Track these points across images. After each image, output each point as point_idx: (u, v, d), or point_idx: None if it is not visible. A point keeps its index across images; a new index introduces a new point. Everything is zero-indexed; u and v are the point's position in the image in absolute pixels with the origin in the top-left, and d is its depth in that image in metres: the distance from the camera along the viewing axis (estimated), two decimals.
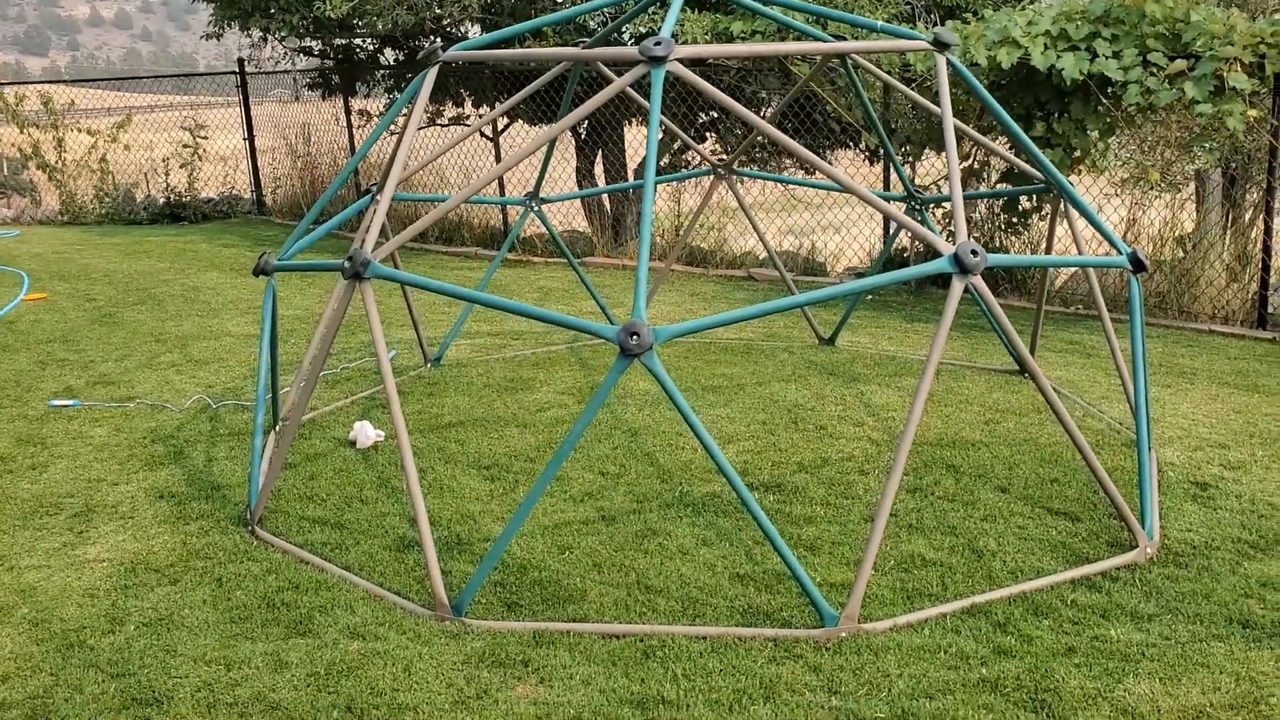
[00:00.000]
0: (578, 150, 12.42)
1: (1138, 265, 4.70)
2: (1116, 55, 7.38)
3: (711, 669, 3.63)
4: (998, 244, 9.11)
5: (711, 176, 7.38)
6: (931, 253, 9.30)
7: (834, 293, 4.03)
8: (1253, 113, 7.04)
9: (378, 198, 6.16)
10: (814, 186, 8.31)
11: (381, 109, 13.18)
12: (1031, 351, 6.65)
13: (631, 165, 12.28)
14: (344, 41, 13.08)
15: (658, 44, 4.14)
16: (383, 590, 4.21)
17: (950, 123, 4.50)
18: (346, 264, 4.30)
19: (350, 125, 13.28)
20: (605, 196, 11.86)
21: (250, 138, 15.17)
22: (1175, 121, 7.51)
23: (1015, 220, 8.82)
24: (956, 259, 3.96)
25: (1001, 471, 5.16)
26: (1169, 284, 8.13)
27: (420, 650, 3.79)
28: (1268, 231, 7.60)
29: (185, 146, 15.06)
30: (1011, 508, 4.77)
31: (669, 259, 7.70)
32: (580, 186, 12.21)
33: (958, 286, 3.99)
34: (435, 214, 4.35)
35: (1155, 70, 7.21)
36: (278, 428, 5.74)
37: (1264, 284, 7.66)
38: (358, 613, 4.05)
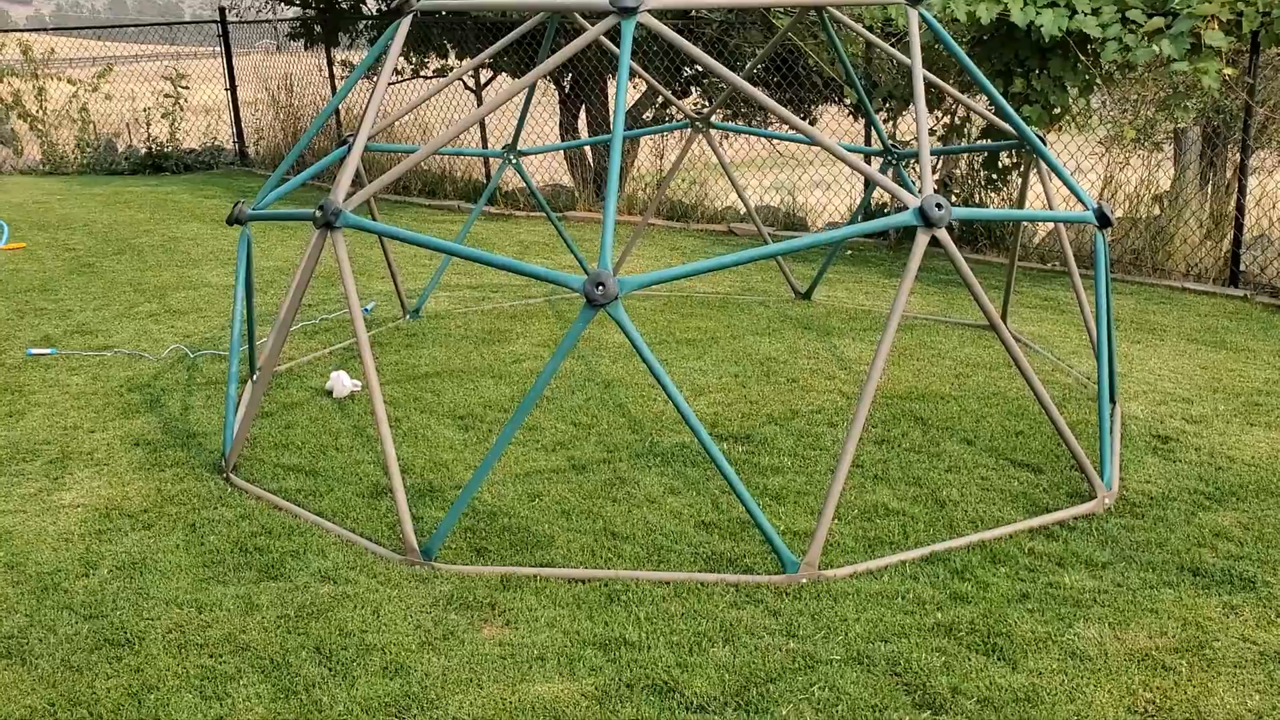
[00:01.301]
0: (561, 104, 12.38)
1: (1103, 220, 4.75)
2: (1095, 12, 7.39)
3: (674, 612, 3.70)
4: (978, 200, 9.15)
5: (689, 130, 7.39)
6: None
7: (798, 245, 4.07)
8: (1229, 71, 7.06)
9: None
10: (789, 140, 8.31)
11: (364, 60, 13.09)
12: (1005, 306, 6.71)
13: None
14: None
15: None
16: (354, 535, 4.27)
17: (920, 77, 4.52)
18: (318, 213, 4.33)
19: (333, 76, 13.20)
20: (588, 150, 11.84)
21: (232, 88, 15.06)
22: (1153, 80, 7.53)
23: (995, 177, 8.84)
24: (921, 212, 4.01)
25: (969, 424, 5.24)
26: (1144, 241, 8.19)
27: (389, 593, 3.86)
28: (1241, 190, 7.65)
29: (167, 96, 14.96)
30: (976, 459, 4.85)
31: (647, 213, 7.73)
32: (563, 140, 12.17)
33: (922, 239, 4.04)
34: (407, 163, 4.36)
35: (1134, 27, 7.22)
36: (254, 377, 5.77)
37: (1237, 242, 7.72)
38: (329, 557, 4.12)
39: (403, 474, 4.77)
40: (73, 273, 8.69)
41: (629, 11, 4.15)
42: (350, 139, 6.18)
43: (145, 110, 15.15)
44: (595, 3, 4.31)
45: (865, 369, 6.05)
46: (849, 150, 8.89)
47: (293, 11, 13.96)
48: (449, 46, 12.73)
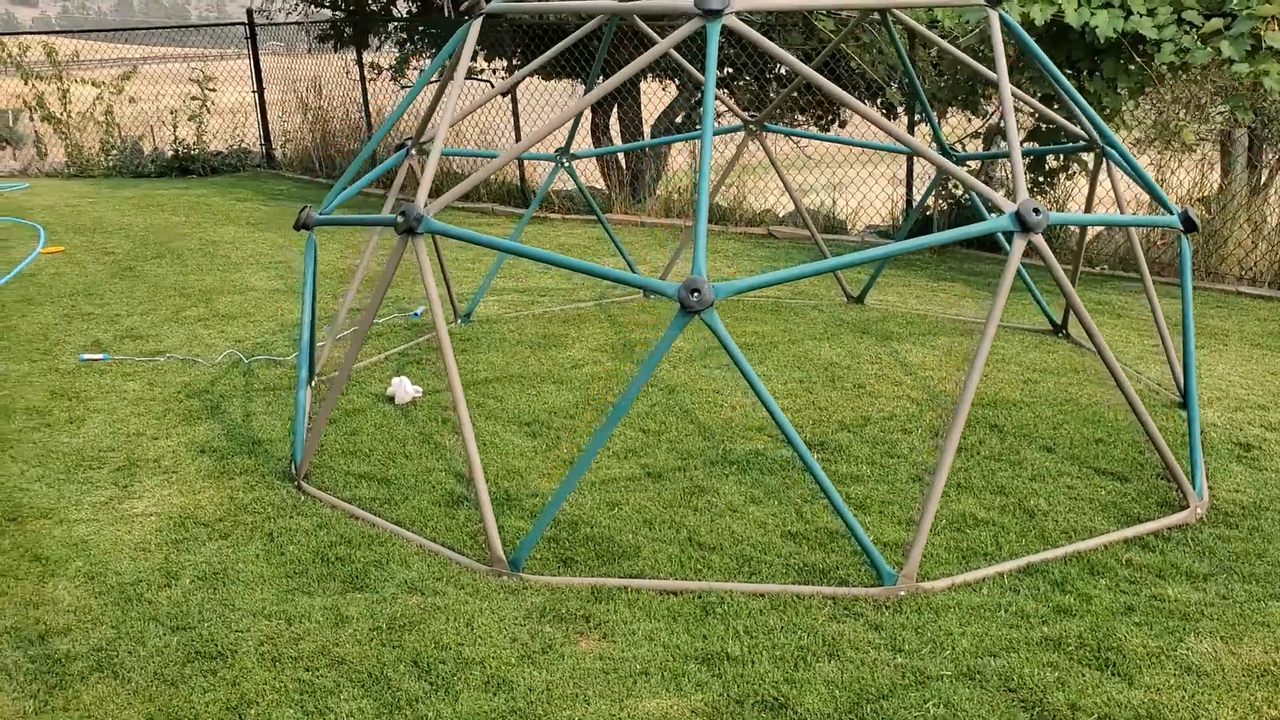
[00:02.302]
0: (593, 106, 12.31)
1: (1189, 225, 4.68)
2: (1151, 13, 7.31)
3: (773, 626, 3.64)
4: None
5: (743, 133, 7.32)
6: (957, 212, 9.25)
7: (897, 249, 4.01)
8: None
9: (412, 152, 6.13)
10: (841, 143, 8.23)
11: (393, 62, 13.03)
12: (1066, 313, 6.65)
13: (648, 121, 12.18)
14: None
15: None
16: (437, 545, 4.21)
17: (1005, 79, 4.45)
18: (400, 219, 4.26)
19: (363, 78, 13.15)
20: (621, 153, 11.77)
21: (259, 90, 15.03)
22: (1212, 81, 7.45)
23: (1041, 180, 8.77)
24: (1019, 217, 3.94)
25: (1046, 431, 5.17)
26: (1196, 244, 8.10)
27: (480, 605, 3.79)
28: None
29: (194, 99, 14.91)
30: (1059, 467, 4.78)
31: (685, 217, 7.66)
32: (597, 142, 12.12)
33: (1019, 244, 3.97)
34: (489, 168, 4.30)
35: (1190, 29, 7.14)
36: (312, 383, 5.71)
37: None
38: (413, 568, 4.06)
39: None
40: (115, 277, 8.64)
41: (714, 14, 4.09)
42: (408, 144, 6.13)
43: (172, 113, 15.10)
44: (678, 5, 4.24)
45: (929, 374, 5.98)
46: (888, 149, 8.83)
47: (315, 14, 13.94)
48: (478, 48, 12.68)
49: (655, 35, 6.70)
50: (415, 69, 12.99)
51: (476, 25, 4.93)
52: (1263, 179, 8.56)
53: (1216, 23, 7.06)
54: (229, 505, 4.62)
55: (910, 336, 6.69)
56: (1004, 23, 4.89)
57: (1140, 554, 4.05)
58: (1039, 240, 3.97)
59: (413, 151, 6.13)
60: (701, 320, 3.80)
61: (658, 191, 11.36)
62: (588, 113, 12.71)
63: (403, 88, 13.11)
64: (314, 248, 5.35)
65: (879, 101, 11.00)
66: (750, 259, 8.99)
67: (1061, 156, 8.43)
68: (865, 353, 6.37)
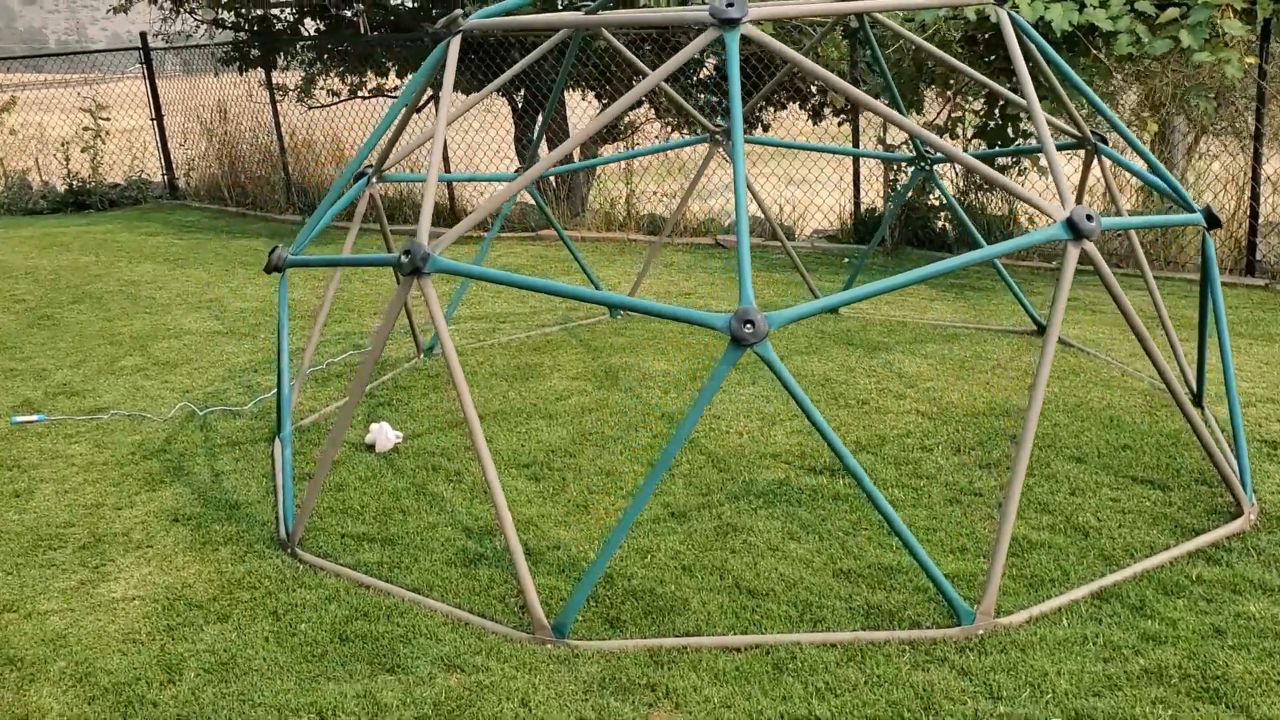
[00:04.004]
0: (515, 118, 11.96)
1: (1212, 221, 4.56)
2: (1104, 4, 7.26)
3: (855, 681, 3.37)
4: (975, 201, 9.00)
5: (708, 144, 7.08)
6: (909, 216, 9.13)
7: (958, 263, 3.78)
8: (1250, 59, 6.99)
9: (373, 181, 5.74)
10: (811, 149, 8.03)
11: (298, 82, 12.47)
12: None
13: (573, 134, 11.86)
14: (260, 12, 12.36)
15: (730, 5, 3.82)
16: (465, 613, 3.85)
17: (1027, 78, 4.26)
18: (404, 258, 3.90)
19: (274, 100, 12.57)
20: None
21: (158, 117, 14.31)
22: (1173, 70, 7.43)
23: None
24: (1071, 224, 3.74)
25: (1069, 440, 5.00)
26: (1155, 234, 8.10)
27: (532, 680, 3.46)
28: (1255, 179, 7.60)
29: (86, 129, 14.11)
30: (1095, 479, 4.61)
31: (663, 232, 7.42)
32: (522, 156, 11.74)
33: (1073, 253, 3.78)
34: (503, 195, 3.95)
35: (1144, 19, 7.10)
36: (280, 434, 5.27)
37: (1253, 230, 7.67)
38: (445, 641, 3.70)
39: (490, 536, 4.38)
40: (31, 326, 8.02)
41: (732, 24, 3.82)
42: (369, 172, 5.75)
43: (63, 144, 14.27)
44: (694, 15, 3.97)
45: (930, 385, 5.79)
46: (872, 156, 8.68)
47: (217, 35, 13.28)
48: (391, 65, 12.22)
49: (622, 48, 6.45)
50: (322, 89, 12.47)
51: (456, 44, 4.58)
52: (1181, 164, 8.63)
53: (1172, 12, 7.03)
54: (220, 581, 4.18)
55: (898, 346, 6.50)
56: (1014, 21, 4.71)
57: (1208, 569, 3.89)
58: (1091, 248, 3.78)
59: (373, 180, 5.74)
60: (755, 353, 3.51)
61: (593, 205, 11.06)
62: (508, 125, 12.36)
63: (309, 109, 12.58)
64: (286, 290, 4.93)
65: (809, 105, 10.89)
66: (705, 270, 8.74)
67: (1012, 156, 8.35)
68: (858, 365, 6.16)
